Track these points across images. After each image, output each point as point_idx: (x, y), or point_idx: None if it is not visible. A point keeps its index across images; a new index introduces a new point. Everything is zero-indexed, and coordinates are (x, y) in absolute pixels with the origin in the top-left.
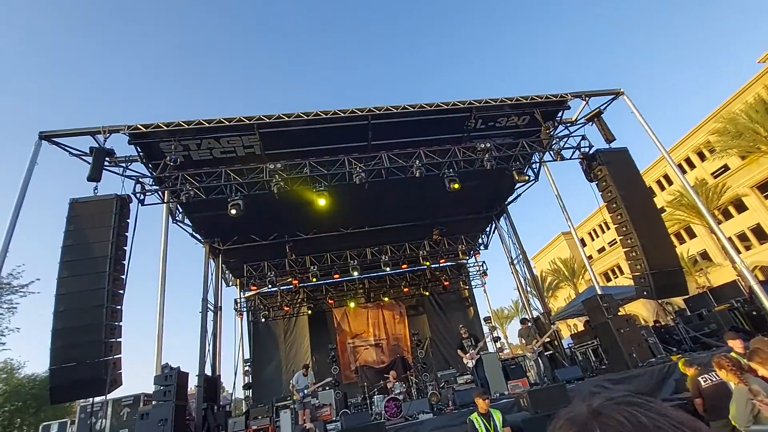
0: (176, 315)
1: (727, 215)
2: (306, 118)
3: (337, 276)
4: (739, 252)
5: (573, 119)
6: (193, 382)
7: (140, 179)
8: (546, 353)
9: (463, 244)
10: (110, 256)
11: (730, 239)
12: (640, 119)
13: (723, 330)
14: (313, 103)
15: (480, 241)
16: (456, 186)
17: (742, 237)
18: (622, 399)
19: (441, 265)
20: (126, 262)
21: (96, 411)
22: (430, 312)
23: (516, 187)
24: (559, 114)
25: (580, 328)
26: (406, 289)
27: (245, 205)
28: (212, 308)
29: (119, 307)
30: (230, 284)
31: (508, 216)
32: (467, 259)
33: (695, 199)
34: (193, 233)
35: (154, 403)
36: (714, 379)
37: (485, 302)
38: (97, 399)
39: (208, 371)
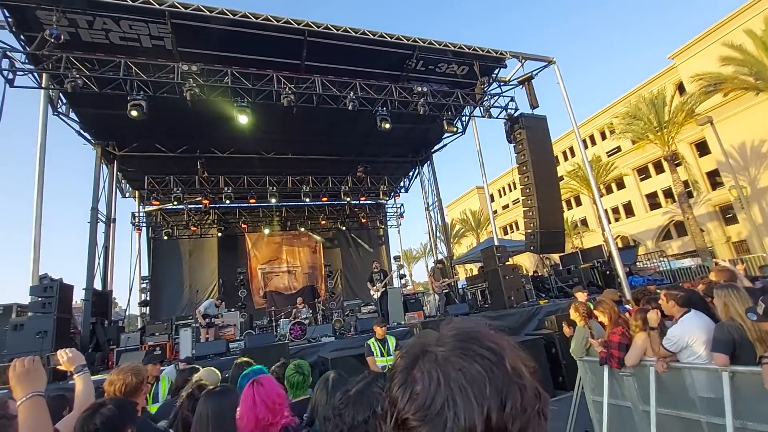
0: (61, 225)
1: (609, 190)
2: (231, 17)
3: (253, 201)
4: (609, 222)
5: (507, 79)
6: (80, 296)
7: (8, 53)
8: (444, 291)
9: (385, 185)
10: None
11: (606, 211)
12: (563, 91)
13: (582, 283)
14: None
15: (402, 184)
16: (387, 126)
17: (615, 210)
18: (463, 346)
19: (361, 202)
20: None
21: None
22: (344, 246)
23: (444, 136)
24: (496, 71)
25: (475, 272)
26: (323, 222)
27: (150, 107)
28: (104, 219)
29: None
30: (127, 195)
31: (432, 163)
32: (387, 200)
33: (589, 173)
34: (81, 131)
35: (30, 314)
36: None
37: (397, 242)
38: None
39: (98, 286)
